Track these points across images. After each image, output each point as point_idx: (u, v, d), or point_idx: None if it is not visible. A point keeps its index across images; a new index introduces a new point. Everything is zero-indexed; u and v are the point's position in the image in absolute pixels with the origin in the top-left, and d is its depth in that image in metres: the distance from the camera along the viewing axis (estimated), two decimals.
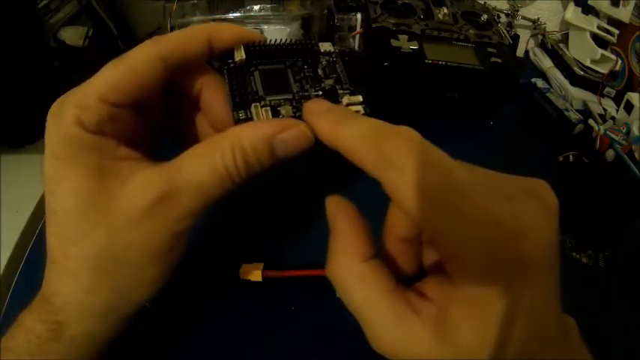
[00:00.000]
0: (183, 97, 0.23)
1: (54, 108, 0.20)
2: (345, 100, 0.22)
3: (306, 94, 0.22)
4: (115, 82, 0.19)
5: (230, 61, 0.22)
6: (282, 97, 0.21)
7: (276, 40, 0.23)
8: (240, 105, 0.20)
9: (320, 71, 0.23)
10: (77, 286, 0.19)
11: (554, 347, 0.17)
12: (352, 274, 0.18)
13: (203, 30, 0.21)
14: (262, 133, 0.19)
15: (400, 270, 0.20)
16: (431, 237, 0.17)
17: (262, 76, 0.22)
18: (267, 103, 0.21)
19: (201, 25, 0.22)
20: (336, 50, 0.24)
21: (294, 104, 0.21)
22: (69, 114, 0.19)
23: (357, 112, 0.21)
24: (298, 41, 0.24)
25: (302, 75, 0.22)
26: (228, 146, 0.18)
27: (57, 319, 0.19)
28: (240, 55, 0.22)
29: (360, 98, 0.22)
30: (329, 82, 0.23)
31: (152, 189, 0.18)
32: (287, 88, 0.22)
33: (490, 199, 0.16)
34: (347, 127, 0.18)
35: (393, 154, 0.16)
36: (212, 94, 0.22)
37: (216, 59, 0.22)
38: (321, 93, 0.22)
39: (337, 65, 0.23)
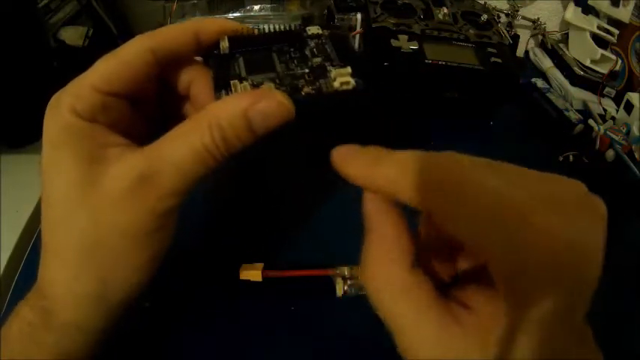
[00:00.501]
0: (174, 91, 0.23)
1: (52, 101, 0.20)
2: (333, 73, 0.21)
3: (291, 72, 0.21)
4: (108, 73, 0.20)
5: (216, 51, 0.22)
6: (265, 76, 0.21)
7: (262, 29, 0.23)
8: (221, 85, 0.20)
9: (307, 52, 0.22)
10: (64, 271, 0.19)
11: (577, 348, 0.16)
12: (395, 284, 0.17)
13: (190, 25, 0.22)
14: (238, 107, 0.18)
15: (436, 277, 0.19)
16: (485, 257, 0.16)
17: (246, 61, 0.22)
18: (249, 81, 0.21)
19: (188, 20, 0.23)
20: (325, 32, 0.23)
21: (277, 82, 0.21)
22: (65, 103, 0.20)
23: (347, 82, 0.20)
24: (283, 28, 0.23)
25: (288, 57, 0.22)
26: (205, 125, 0.18)
27: (45, 306, 0.19)
28: (224, 44, 0.22)
29: (348, 69, 0.21)
30: (317, 60, 0.22)
31: (133, 170, 0.19)
32: (271, 68, 0.22)
33: (552, 217, 0.15)
34: (385, 164, 0.17)
35: (440, 183, 0.16)
36: (200, 86, 0.23)
37: (204, 52, 0.23)
38: (307, 70, 0.21)
39: (327, 46, 0.23)
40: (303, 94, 0.20)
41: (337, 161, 0.19)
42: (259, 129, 0.19)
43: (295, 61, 0.22)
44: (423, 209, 0.16)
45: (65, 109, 0.19)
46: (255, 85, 0.20)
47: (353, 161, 0.18)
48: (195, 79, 0.23)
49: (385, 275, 0.17)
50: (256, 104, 0.18)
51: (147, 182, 0.19)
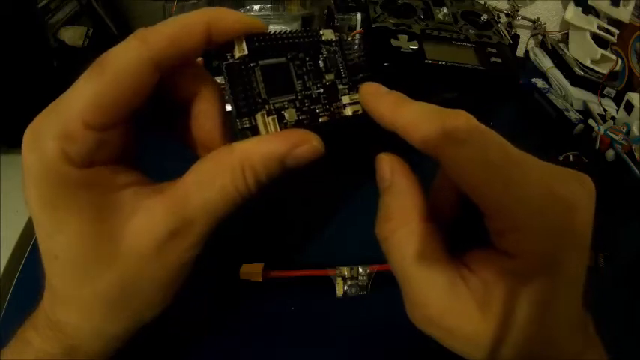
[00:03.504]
0: (169, 97, 0.20)
1: (30, 136, 0.17)
2: (346, 99, 0.21)
3: (308, 92, 0.21)
4: (99, 101, 0.17)
5: (229, 55, 0.20)
6: (286, 99, 0.21)
7: (276, 30, 0.22)
8: (244, 112, 0.19)
9: (321, 63, 0.22)
10: (92, 320, 0.19)
11: (580, 333, 0.17)
12: (412, 233, 0.18)
13: (200, 19, 0.18)
14: (273, 151, 0.18)
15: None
16: (488, 209, 0.17)
17: (264, 74, 0.20)
18: (272, 107, 0.20)
19: (196, 12, 0.18)
20: (337, 38, 0.23)
21: (297, 105, 0.21)
22: (51, 147, 0.16)
23: (358, 110, 0.21)
24: (301, 32, 0.22)
25: (304, 69, 0.22)
26: (237, 167, 0.17)
27: (71, 344, 0.19)
28: (241, 50, 0.20)
29: (358, 95, 0.22)
30: (330, 76, 0.22)
31: (161, 224, 0.17)
32: (290, 87, 0.21)
33: (545, 175, 0.17)
34: (407, 107, 0.19)
35: (454, 129, 0.17)
36: (205, 106, 0.20)
37: (213, 53, 0.20)
38: (322, 90, 0.22)
39: (337, 55, 0.23)
40: (320, 121, 0.21)
41: (365, 97, 0.20)
42: (290, 167, 0.19)
43: (311, 76, 0.22)
44: (435, 153, 0.18)
45: (54, 155, 0.16)
46: (278, 110, 0.20)
47: (380, 99, 0.20)
48: (199, 93, 0.20)
49: (404, 226, 0.18)
50: (293, 151, 0.18)
51: (177, 236, 0.18)
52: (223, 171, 0.18)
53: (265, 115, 0.20)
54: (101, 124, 0.17)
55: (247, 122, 0.19)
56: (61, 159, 0.16)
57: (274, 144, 0.18)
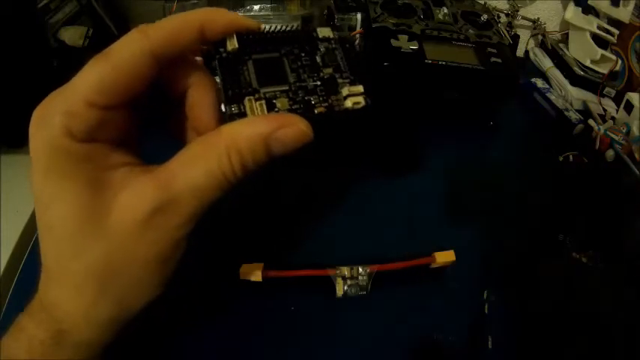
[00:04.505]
0: (167, 90, 0.22)
1: (37, 116, 0.18)
2: (346, 90, 0.21)
3: (303, 84, 0.21)
4: (103, 84, 0.18)
5: (222, 49, 0.21)
6: (278, 89, 0.20)
7: (270, 27, 0.22)
8: (233, 99, 0.20)
9: (318, 59, 0.22)
10: (80, 299, 0.19)
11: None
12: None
13: (195, 17, 0.20)
14: (258, 133, 0.18)
15: None
16: None
17: (256, 66, 0.21)
18: (262, 95, 0.20)
19: (192, 11, 0.20)
20: (336, 36, 0.23)
21: (291, 96, 0.20)
22: (56, 123, 0.18)
23: (358, 103, 0.21)
24: (295, 27, 0.22)
25: (299, 64, 0.21)
26: (223, 149, 0.18)
27: (60, 328, 0.19)
28: (232, 44, 0.20)
29: (360, 88, 0.21)
30: (328, 70, 0.21)
31: (147, 200, 0.18)
32: (283, 79, 0.21)
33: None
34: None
35: None
36: (201, 94, 0.21)
37: (206, 52, 0.21)
38: (319, 83, 0.21)
39: (337, 52, 0.22)
40: (315, 112, 0.20)
41: None
42: (277, 153, 0.19)
43: (306, 70, 0.21)
44: None
45: (58, 130, 0.18)
46: (269, 99, 0.20)
47: None
48: (194, 84, 0.21)
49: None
50: (278, 131, 0.18)
51: (163, 213, 0.18)
52: (209, 153, 0.18)
53: (253, 100, 0.20)
54: (102, 103, 0.18)
55: (236, 108, 0.19)
56: (64, 133, 0.18)
57: (258, 124, 0.18)
